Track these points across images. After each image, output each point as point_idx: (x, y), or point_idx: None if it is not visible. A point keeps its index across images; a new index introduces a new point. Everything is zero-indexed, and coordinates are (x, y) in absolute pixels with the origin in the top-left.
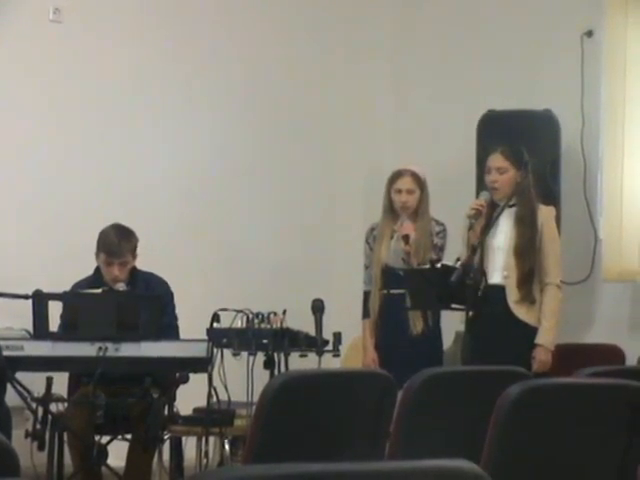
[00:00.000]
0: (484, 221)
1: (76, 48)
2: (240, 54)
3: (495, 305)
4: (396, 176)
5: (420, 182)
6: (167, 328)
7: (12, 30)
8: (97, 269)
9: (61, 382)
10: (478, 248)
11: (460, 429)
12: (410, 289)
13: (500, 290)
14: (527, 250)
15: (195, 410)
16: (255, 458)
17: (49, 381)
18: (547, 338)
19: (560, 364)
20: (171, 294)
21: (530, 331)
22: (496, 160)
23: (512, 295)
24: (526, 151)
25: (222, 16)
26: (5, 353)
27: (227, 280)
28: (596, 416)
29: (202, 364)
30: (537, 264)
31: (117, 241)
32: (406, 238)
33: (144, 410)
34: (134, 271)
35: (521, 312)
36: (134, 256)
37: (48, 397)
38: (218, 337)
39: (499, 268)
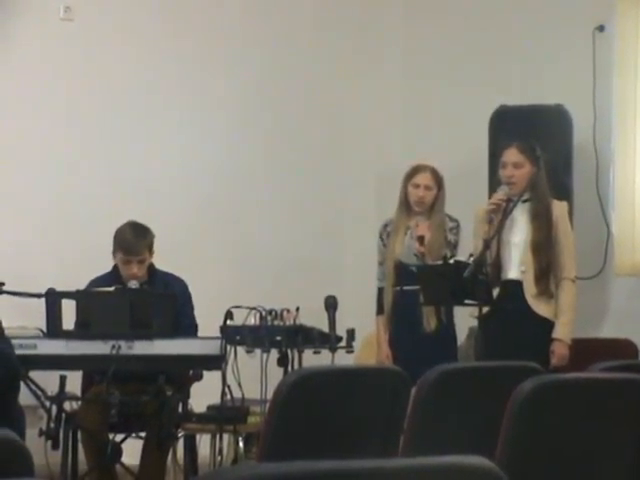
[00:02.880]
0: (499, 216)
1: (87, 46)
2: (252, 55)
3: (512, 300)
4: (415, 171)
5: (438, 179)
6: (188, 329)
7: (23, 29)
8: (115, 266)
9: (75, 380)
10: (491, 243)
11: (473, 425)
12: (423, 285)
13: (517, 285)
14: (544, 245)
15: (209, 408)
16: (269, 455)
17: (62, 379)
18: (565, 332)
19: (573, 359)
20: (189, 295)
21: (548, 325)
22: (512, 155)
23: (530, 290)
24: (538, 146)
25: (234, 17)
26: (18, 352)
27: (240, 277)
28: (610, 411)
29: (216, 361)
30: (553, 259)
31: (134, 239)
32: (421, 239)
33: (158, 408)
34: (153, 271)
35: (539, 307)
36: (151, 253)
37: (62, 395)
38: (231, 334)
39: (516, 263)
